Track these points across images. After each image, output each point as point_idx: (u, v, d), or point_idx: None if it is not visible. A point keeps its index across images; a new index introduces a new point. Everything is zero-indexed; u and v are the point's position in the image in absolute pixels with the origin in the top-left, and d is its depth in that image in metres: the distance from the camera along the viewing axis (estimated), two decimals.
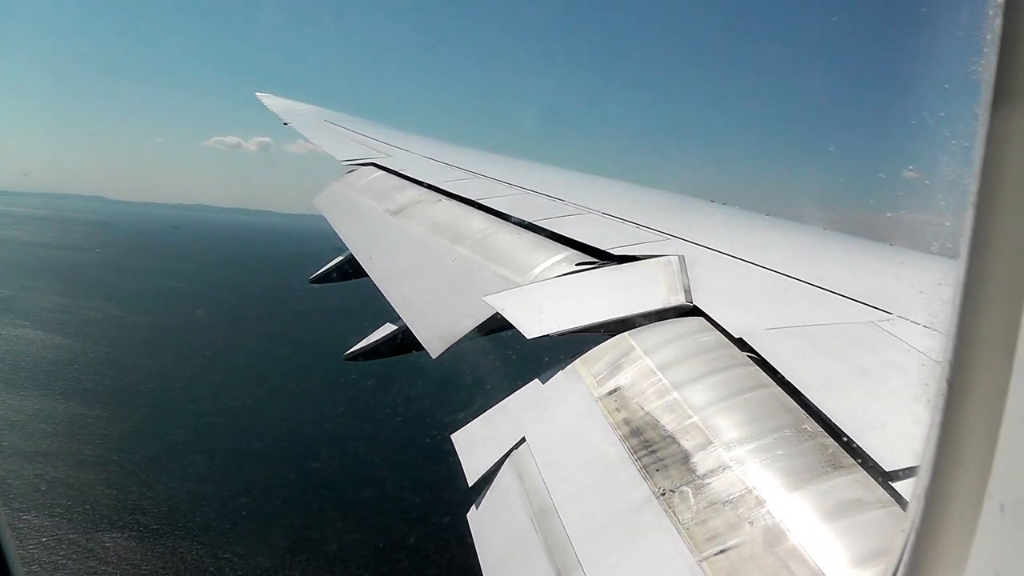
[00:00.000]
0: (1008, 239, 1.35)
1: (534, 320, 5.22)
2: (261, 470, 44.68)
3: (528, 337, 5.02)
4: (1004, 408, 1.35)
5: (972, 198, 1.39)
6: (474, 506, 4.43)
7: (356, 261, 9.07)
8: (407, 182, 10.45)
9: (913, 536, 1.64)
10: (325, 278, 11.60)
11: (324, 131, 15.53)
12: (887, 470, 2.92)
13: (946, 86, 1.72)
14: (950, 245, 1.59)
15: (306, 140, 14.97)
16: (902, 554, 1.71)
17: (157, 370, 65.82)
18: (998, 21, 1.31)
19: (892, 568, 1.78)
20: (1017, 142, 1.33)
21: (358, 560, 34.45)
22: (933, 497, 1.57)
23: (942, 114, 1.71)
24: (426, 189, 9.77)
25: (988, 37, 1.32)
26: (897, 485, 2.86)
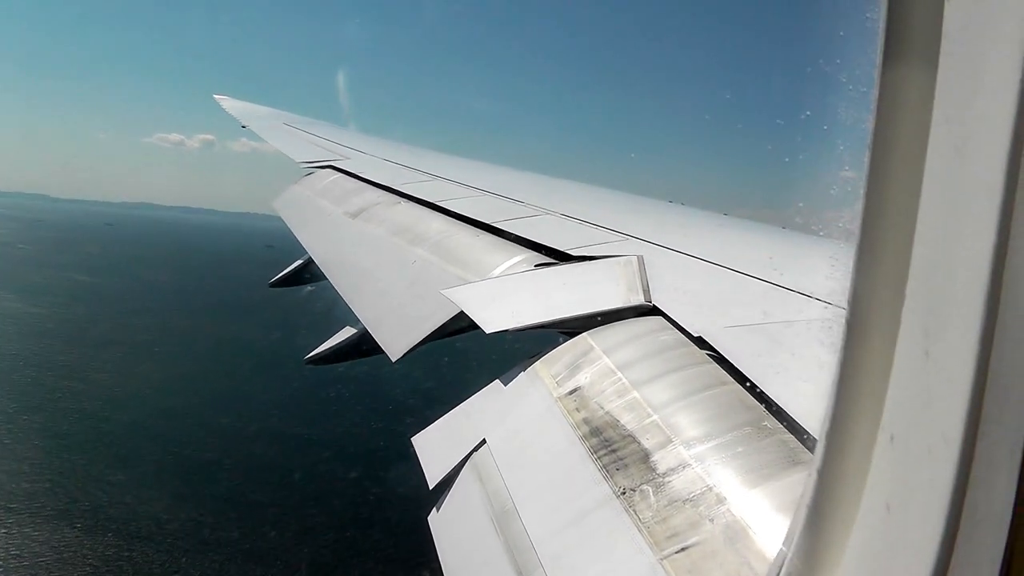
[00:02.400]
0: (900, 187, 1.44)
1: (493, 314, 5.21)
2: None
3: (487, 331, 5.00)
4: (894, 351, 1.46)
5: (867, 153, 1.49)
6: (435, 509, 4.40)
7: (314, 264, 9.01)
8: (365, 184, 10.40)
9: (815, 476, 1.74)
10: (284, 282, 11.53)
11: (282, 134, 15.44)
12: None
13: (841, 33, 1.77)
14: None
15: (264, 142, 14.86)
16: (809, 495, 1.81)
17: (41, 359, 66.36)
18: None
19: (803, 510, 1.86)
20: (907, 101, 1.39)
21: (317, 562, 34.33)
22: (833, 438, 1.68)
23: (838, 61, 1.76)
24: (384, 191, 9.73)
25: None
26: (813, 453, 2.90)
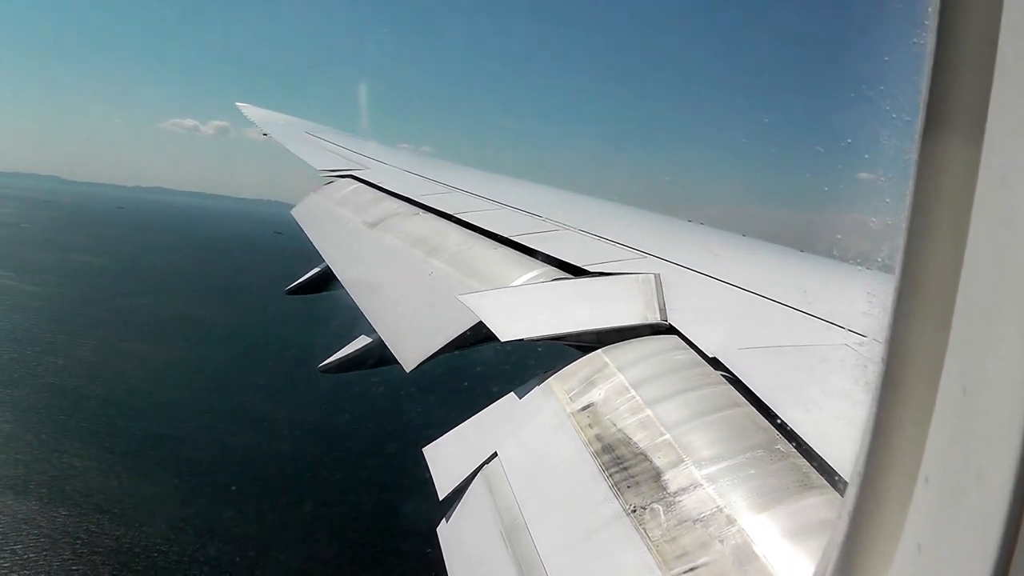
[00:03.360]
0: (942, 237, 1.42)
1: (509, 324, 5.21)
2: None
3: (502, 339, 5.00)
4: (937, 390, 1.43)
5: (907, 214, 1.47)
6: (444, 520, 4.40)
7: (332, 272, 9.04)
8: (385, 195, 10.44)
9: (848, 517, 1.70)
10: (301, 289, 11.56)
11: (303, 143, 15.52)
12: None
13: (886, 58, 1.73)
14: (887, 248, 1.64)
15: (286, 151, 14.95)
16: (842, 535, 1.76)
17: (27, 335, 68.16)
18: (932, 42, 1.35)
19: (833, 549, 1.82)
20: (949, 170, 1.38)
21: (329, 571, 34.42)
22: (867, 478, 1.64)
23: (882, 87, 1.71)
24: (403, 202, 9.76)
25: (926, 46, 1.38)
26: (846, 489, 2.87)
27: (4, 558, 32.42)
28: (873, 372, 1.67)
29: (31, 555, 32.92)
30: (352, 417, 47.82)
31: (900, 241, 1.49)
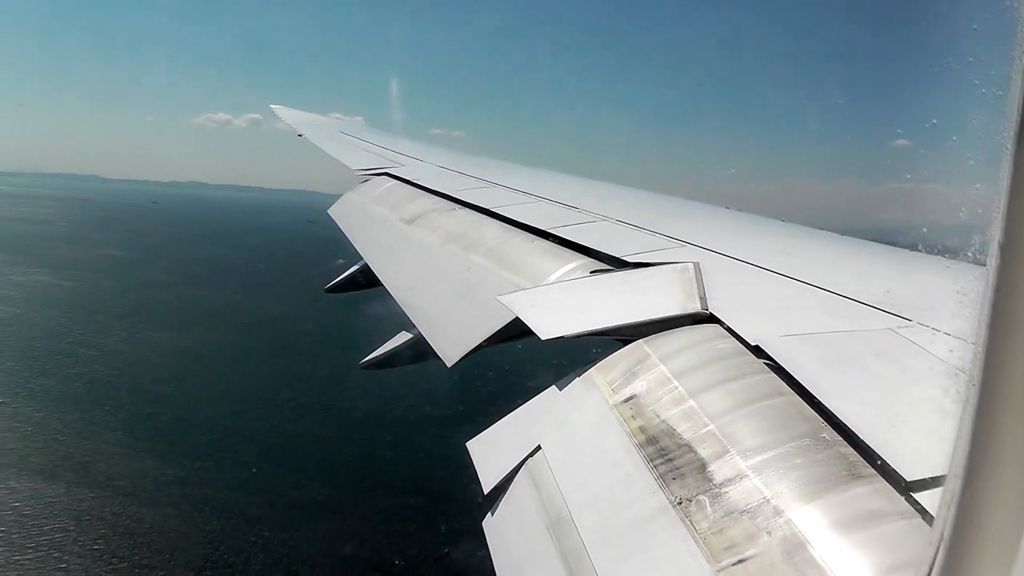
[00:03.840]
0: None
1: (548, 321, 5.20)
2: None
3: (542, 338, 4.99)
4: None
5: (1003, 199, 1.35)
6: (489, 513, 4.41)
7: (370, 270, 9.10)
8: (421, 191, 10.49)
9: (945, 548, 1.58)
10: (340, 287, 11.65)
11: (338, 142, 15.64)
12: (908, 480, 2.87)
13: (975, 26, 1.62)
14: (973, 238, 1.54)
15: (321, 151, 15.07)
16: (931, 566, 1.66)
17: (59, 328, 69.92)
18: None
19: (940, 547, 1.67)
20: None
21: (373, 566, 34.74)
22: (968, 505, 1.50)
23: (970, 59, 1.60)
24: (440, 198, 9.80)
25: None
26: (919, 495, 2.81)
27: (32, 538, 33.40)
28: (969, 371, 1.54)
29: (58, 536, 33.84)
30: (391, 411, 48.35)
31: (995, 234, 1.38)
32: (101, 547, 33.38)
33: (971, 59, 1.60)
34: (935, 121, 2.30)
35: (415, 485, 39.82)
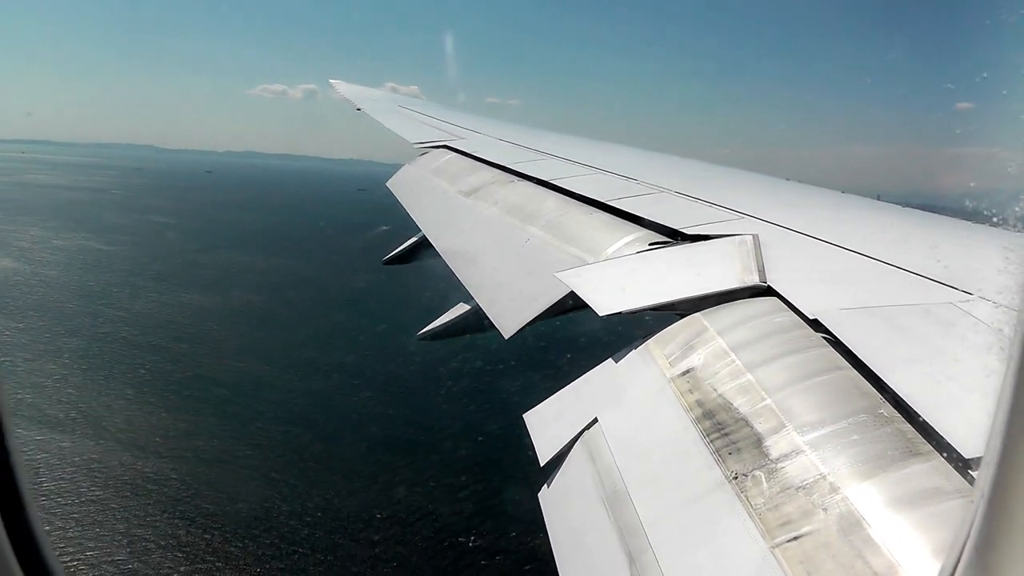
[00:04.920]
0: None
1: (606, 297, 5.20)
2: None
3: (600, 314, 4.99)
4: None
5: None
6: (546, 485, 4.44)
7: (428, 242, 9.16)
8: (479, 164, 10.50)
9: (977, 529, 1.54)
10: (398, 259, 11.75)
11: (397, 116, 15.72)
12: (967, 457, 2.82)
13: None
14: None
15: (380, 125, 15.15)
16: (962, 548, 1.61)
17: (94, 290, 72.29)
18: None
19: (953, 561, 1.68)
20: None
21: (430, 532, 35.27)
22: (1004, 487, 1.46)
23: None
24: (498, 170, 9.80)
25: None
26: (977, 473, 2.77)
27: (33, 486, 34.64)
28: (1012, 344, 1.51)
29: (63, 484, 35.01)
30: (446, 382, 48.87)
31: None
32: (98, 495, 34.66)
33: None
34: (984, 75, 2.22)
35: (471, 456, 40.16)
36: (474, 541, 32.53)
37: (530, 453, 4.69)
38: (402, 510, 35.18)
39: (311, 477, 37.56)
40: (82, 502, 33.76)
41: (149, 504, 34.28)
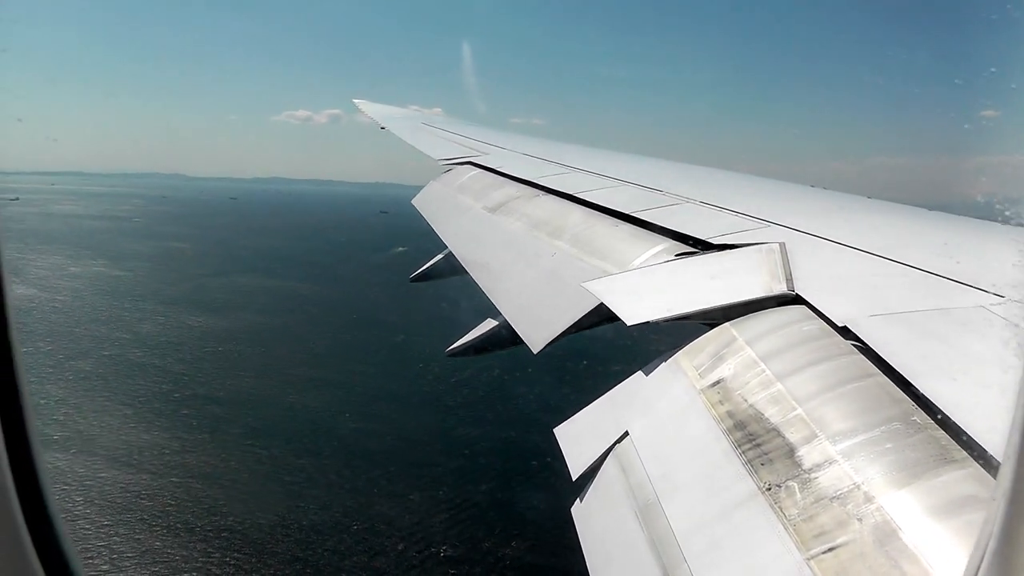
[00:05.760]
0: None
1: (634, 307, 5.20)
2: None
3: (628, 324, 4.98)
4: None
5: None
6: (578, 499, 4.44)
7: (454, 258, 9.19)
8: (504, 179, 10.53)
9: (999, 529, 1.52)
10: (424, 276, 11.79)
11: (421, 133, 15.81)
12: None
13: None
14: None
15: (403, 142, 15.25)
16: (984, 548, 1.59)
17: (104, 315, 73.78)
18: None
19: (976, 561, 1.64)
20: None
21: (470, 548, 35.45)
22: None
23: None
24: (523, 185, 9.83)
25: None
26: (998, 473, 2.74)
27: None
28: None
29: (55, 500, 36.55)
30: (471, 397, 49.11)
31: None
32: (86, 512, 35.44)
33: None
34: (1013, 86, 2.19)
35: (503, 473, 40.23)
36: (446, 552, 33.11)
37: (562, 467, 4.70)
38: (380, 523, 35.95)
39: (292, 490, 38.67)
40: (73, 518, 34.58)
41: (134, 519, 35.42)
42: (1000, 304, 4.01)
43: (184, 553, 32.72)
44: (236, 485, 39.09)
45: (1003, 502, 1.52)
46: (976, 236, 5.89)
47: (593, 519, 4.28)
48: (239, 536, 34.07)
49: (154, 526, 34.80)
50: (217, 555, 32.54)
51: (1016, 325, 3.75)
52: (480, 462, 40.91)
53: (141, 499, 37.22)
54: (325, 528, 35.06)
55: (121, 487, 38.18)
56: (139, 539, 33.54)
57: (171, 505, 36.81)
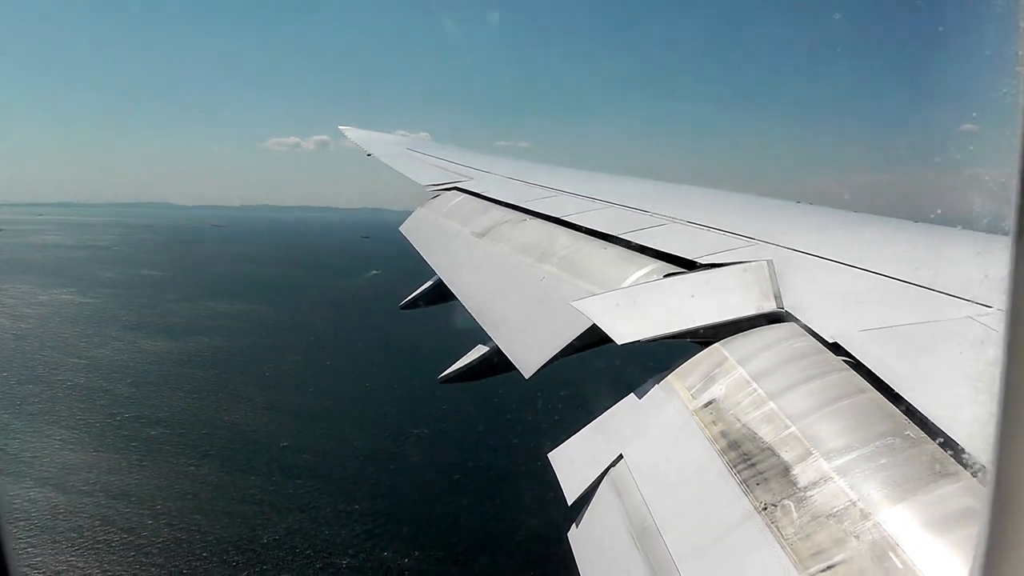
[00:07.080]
0: None
1: (624, 327, 5.19)
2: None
3: (619, 343, 4.98)
4: None
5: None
6: (574, 525, 4.41)
7: (443, 284, 9.17)
8: (490, 203, 10.54)
9: (990, 511, 1.52)
10: (414, 304, 11.77)
11: (406, 159, 15.84)
12: None
13: None
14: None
15: (390, 169, 15.27)
16: (985, 534, 1.56)
17: (62, 341, 75.41)
18: None
19: (981, 545, 1.59)
20: None
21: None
22: (1005, 499, 1.46)
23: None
24: (510, 209, 9.83)
25: None
26: (984, 480, 2.73)
27: None
28: (999, 348, 1.50)
29: None
30: (467, 424, 49.26)
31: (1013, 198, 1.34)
32: (29, 539, 36.25)
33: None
34: (993, 100, 2.21)
35: (496, 499, 40.16)
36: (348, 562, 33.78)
37: (556, 492, 4.67)
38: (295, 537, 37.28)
39: (205, 508, 40.26)
40: None
41: (58, 538, 36.91)
42: (987, 314, 4.01)
43: (105, 569, 34.07)
44: (155, 503, 40.61)
45: (988, 513, 1.52)
46: (961, 247, 5.90)
47: (590, 544, 4.25)
48: (157, 550, 35.80)
49: (75, 545, 36.20)
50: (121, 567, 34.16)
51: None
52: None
53: (62, 519, 38.62)
54: (232, 541, 36.79)
55: (46, 507, 39.55)
56: (59, 557, 34.97)
57: (98, 523, 38.22)
